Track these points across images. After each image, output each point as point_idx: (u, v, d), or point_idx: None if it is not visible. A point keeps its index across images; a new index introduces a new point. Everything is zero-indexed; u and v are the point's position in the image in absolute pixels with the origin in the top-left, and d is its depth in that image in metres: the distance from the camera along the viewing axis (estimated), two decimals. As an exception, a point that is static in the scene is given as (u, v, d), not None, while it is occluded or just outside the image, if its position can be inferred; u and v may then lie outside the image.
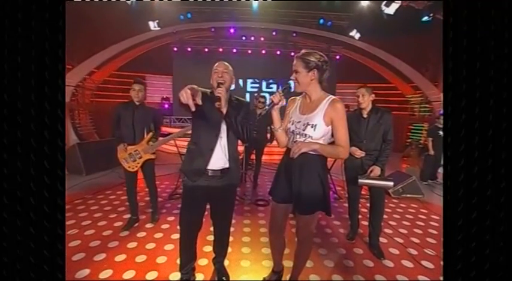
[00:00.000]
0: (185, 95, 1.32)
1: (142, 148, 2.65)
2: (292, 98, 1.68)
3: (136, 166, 2.67)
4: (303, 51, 1.48)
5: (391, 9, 5.99)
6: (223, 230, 1.93)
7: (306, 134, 1.46)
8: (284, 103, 1.51)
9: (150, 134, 2.71)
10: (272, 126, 1.59)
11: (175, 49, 9.48)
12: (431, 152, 5.06)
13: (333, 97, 1.47)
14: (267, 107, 1.48)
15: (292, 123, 1.54)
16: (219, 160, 1.67)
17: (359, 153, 2.42)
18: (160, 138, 2.84)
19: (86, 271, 2.01)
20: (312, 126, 1.44)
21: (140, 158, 2.66)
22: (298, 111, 1.56)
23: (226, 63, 1.68)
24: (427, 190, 4.63)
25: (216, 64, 1.67)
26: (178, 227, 1.84)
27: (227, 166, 1.70)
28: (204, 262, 2.17)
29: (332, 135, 1.49)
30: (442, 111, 6.41)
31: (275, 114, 1.52)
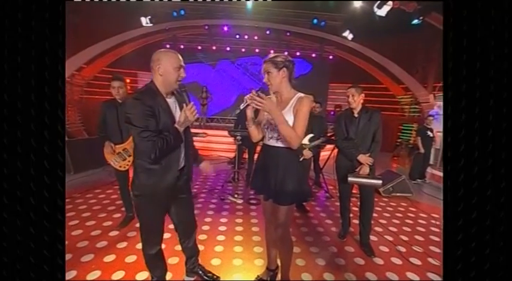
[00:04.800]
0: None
1: (131, 145, 2.57)
2: (268, 97, 1.73)
3: (127, 165, 2.61)
4: (270, 55, 1.57)
5: (383, 11, 6.07)
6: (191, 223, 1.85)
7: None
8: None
9: None
10: (246, 123, 1.69)
11: (168, 46, 9.34)
12: (422, 150, 5.20)
13: (303, 95, 1.56)
14: (241, 107, 1.56)
15: (268, 120, 1.63)
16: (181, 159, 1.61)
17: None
18: None
19: (73, 273, 1.94)
20: None
21: (130, 156, 2.60)
22: None
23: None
24: (416, 189, 4.72)
25: (174, 54, 1.59)
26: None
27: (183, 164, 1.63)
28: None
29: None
30: (430, 112, 6.56)
31: (249, 113, 1.63)
